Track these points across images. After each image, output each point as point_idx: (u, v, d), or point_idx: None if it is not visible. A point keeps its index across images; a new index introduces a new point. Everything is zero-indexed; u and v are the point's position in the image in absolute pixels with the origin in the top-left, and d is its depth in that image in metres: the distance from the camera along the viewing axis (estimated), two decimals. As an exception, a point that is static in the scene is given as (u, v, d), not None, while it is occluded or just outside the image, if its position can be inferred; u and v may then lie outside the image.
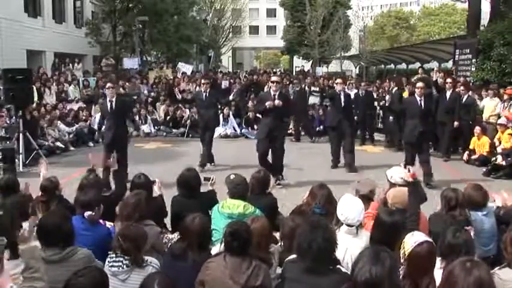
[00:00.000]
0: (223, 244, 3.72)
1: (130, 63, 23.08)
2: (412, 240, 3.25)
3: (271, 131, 9.03)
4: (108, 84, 9.67)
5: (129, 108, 10.27)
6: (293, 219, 4.33)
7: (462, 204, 4.70)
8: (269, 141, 9.06)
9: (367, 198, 5.03)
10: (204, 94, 10.80)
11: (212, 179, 5.97)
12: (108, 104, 9.34)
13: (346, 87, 11.85)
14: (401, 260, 3.26)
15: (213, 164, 10.75)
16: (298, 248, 3.41)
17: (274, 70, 42.22)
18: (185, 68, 23.75)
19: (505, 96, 12.35)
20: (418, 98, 9.38)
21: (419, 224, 4.31)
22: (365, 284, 2.67)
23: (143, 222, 4.31)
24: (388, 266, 2.70)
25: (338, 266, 3.41)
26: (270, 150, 9.16)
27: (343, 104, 10.71)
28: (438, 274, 3.24)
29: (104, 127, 9.59)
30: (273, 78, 9.69)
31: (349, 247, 3.84)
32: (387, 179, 5.63)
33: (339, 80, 11.49)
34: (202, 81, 11.45)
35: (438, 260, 3.48)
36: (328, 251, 3.36)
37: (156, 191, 5.50)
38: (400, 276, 3.20)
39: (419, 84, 9.69)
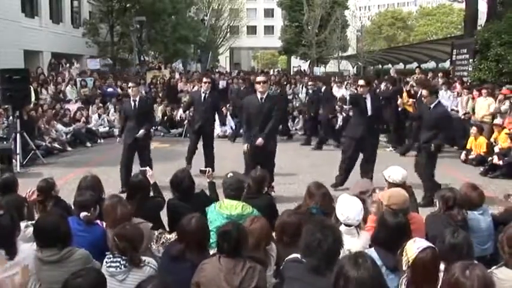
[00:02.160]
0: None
1: (93, 63, 22.89)
2: (415, 246, 3.22)
3: (260, 146, 7.93)
4: (130, 84, 9.33)
5: (150, 108, 9.83)
6: (289, 215, 4.34)
7: (459, 204, 4.71)
8: (258, 154, 7.94)
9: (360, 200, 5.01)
10: (204, 95, 10.03)
11: (208, 171, 6.00)
12: (132, 104, 8.95)
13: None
14: (404, 268, 3.24)
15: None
16: (307, 248, 3.40)
17: (261, 70, 41.24)
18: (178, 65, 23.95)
19: (500, 97, 12.40)
20: (428, 104, 8.22)
21: (415, 227, 4.31)
22: None
23: (133, 222, 4.30)
24: (370, 269, 2.69)
25: None
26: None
27: (369, 111, 8.67)
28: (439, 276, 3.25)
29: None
30: (259, 78, 8.39)
31: (349, 248, 3.84)
32: (385, 179, 5.68)
33: (361, 82, 9.04)
34: (204, 79, 10.47)
35: None
36: (336, 252, 3.37)
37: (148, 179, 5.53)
38: (404, 286, 3.21)
39: (424, 92, 8.32)
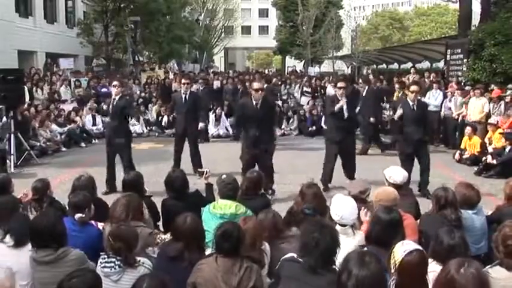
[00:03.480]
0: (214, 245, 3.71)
1: (66, 63, 22.58)
2: (402, 249, 3.20)
3: (256, 145, 8.05)
4: (114, 83, 9.08)
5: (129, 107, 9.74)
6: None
7: (453, 203, 4.72)
8: (255, 155, 8.09)
9: (358, 199, 5.01)
10: (184, 96, 9.96)
11: (206, 173, 6.01)
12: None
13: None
14: (392, 270, 3.23)
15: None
16: (304, 247, 3.41)
17: (255, 70, 40.76)
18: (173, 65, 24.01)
19: (494, 98, 12.44)
20: (410, 102, 8.48)
21: (406, 227, 4.32)
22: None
23: (133, 224, 4.28)
24: (374, 269, 2.71)
25: (334, 267, 3.43)
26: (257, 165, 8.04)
27: (346, 114, 8.51)
28: (431, 277, 3.25)
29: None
30: (255, 86, 8.26)
31: (343, 247, 3.84)
32: (385, 179, 5.67)
33: (341, 84, 8.65)
34: (183, 80, 10.38)
35: (431, 262, 3.47)
36: (333, 251, 3.39)
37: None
38: (393, 287, 3.21)
39: (414, 87, 8.54)
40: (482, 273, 2.75)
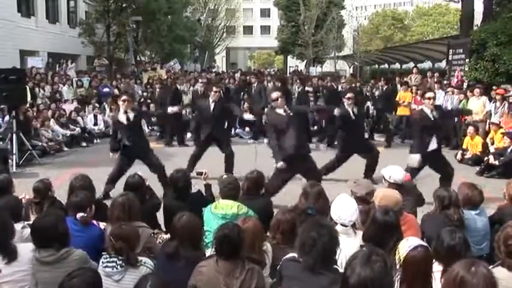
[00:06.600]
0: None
1: (34, 62, 22.03)
2: (407, 244, 3.23)
3: (297, 149, 7.40)
4: (124, 97, 8.38)
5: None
6: (283, 213, 4.36)
7: (456, 203, 4.72)
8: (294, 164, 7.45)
9: (364, 201, 5.00)
10: (213, 105, 9.45)
11: (205, 173, 6.03)
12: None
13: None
14: (397, 266, 3.24)
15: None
16: (302, 246, 3.40)
17: (257, 70, 40.20)
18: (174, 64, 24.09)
19: (498, 97, 12.42)
20: (428, 110, 7.87)
21: (407, 226, 4.31)
22: (355, 286, 2.68)
23: (134, 224, 4.29)
24: (379, 269, 2.71)
25: (335, 266, 3.43)
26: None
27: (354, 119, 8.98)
28: (435, 277, 3.25)
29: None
30: (273, 96, 7.59)
31: (344, 247, 3.84)
32: (385, 178, 5.63)
33: (350, 95, 9.18)
34: (214, 89, 9.75)
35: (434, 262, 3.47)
36: (332, 250, 3.39)
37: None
38: (397, 282, 3.21)
39: (429, 94, 8.03)
40: (491, 273, 2.74)
